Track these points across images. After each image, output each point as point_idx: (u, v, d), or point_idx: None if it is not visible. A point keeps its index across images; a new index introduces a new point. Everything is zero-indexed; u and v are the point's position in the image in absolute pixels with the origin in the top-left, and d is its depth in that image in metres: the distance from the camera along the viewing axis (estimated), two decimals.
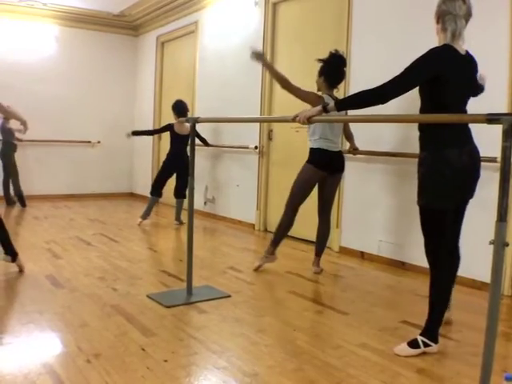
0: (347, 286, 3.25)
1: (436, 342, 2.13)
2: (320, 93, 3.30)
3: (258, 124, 5.11)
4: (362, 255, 4.02)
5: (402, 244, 3.71)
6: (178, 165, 5.03)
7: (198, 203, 5.69)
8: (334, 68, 3.27)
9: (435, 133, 2.02)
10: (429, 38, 3.50)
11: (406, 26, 3.62)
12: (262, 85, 5.08)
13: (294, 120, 2.27)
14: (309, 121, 2.22)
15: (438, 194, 2.03)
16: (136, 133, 5.33)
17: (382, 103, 1.98)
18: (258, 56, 3.15)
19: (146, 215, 5.15)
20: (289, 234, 4.77)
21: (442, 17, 2.05)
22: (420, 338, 2.13)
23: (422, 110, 2.09)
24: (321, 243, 3.52)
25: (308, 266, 3.63)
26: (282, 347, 2.18)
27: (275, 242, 3.48)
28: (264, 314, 2.63)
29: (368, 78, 3.83)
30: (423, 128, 2.09)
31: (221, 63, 5.72)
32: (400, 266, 3.70)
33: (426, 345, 2.12)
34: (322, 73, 3.30)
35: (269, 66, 3.26)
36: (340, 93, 3.73)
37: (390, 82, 1.96)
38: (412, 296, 3.05)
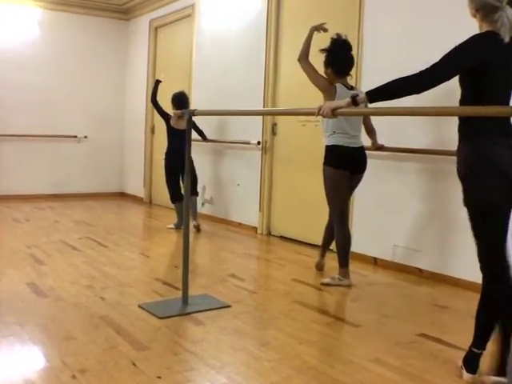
0: (358, 295, 3.25)
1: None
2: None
3: (260, 117, 5.11)
4: (374, 261, 4.01)
5: (419, 249, 3.70)
6: (178, 163, 4.99)
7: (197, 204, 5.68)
8: (339, 56, 3.27)
9: (475, 124, 2.01)
10: (450, 20, 3.50)
11: (424, 6, 3.62)
12: (266, 73, 5.08)
13: (318, 113, 2.22)
14: (333, 114, 2.19)
15: (487, 189, 1.95)
16: (156, 85, 5.37)
17: (417, 93, 1.96)
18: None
19: (180, 224, 5.06)
20: (294, 237, 4.81)
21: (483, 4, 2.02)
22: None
23: (462, 102, 2.08)
24: (349, 251, 3.42)
25: (317, 272, 3.63)
26: (287, 362, 2.18)
27: (343, 261, 3.37)
28: (267, 326, 2.63)
29: (382, 64, 3.84)
30: (463, 118, 2.07)
31: (220, 50, 5.72)
32: (417, 273, 3.69)
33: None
34: (328, 64, 3.30)
35: (310, 36, 3.31)
36: (352, 81, 3.72)
37: (427, 70, 1.94)
38: (430, 306, 3.04)
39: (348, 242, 3.39)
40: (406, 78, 1.97)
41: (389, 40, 3.87)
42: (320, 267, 3.68)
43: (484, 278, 2.02)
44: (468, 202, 2.02)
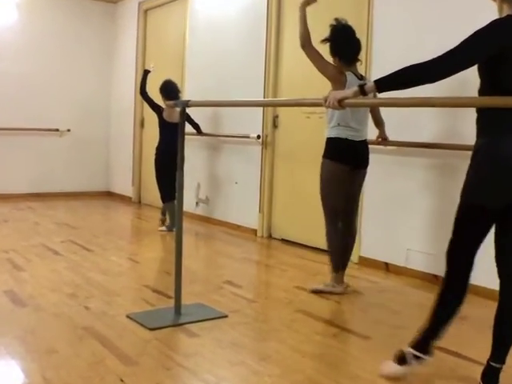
0: (368, 304, 3.25)
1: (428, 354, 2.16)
2: None
3: (260, 109, 5.12)
4: (386, 267, 4.02)
5: (435, 254, 3.70)
6: (171, 159, 4.97)
7: (189, 204, 5.70)
8: (343, 43, 3.27)
9: (494, 117, 2.01)
10: (466, 3, 3.50)
11: None
12: (266, 60, 5.09)
13: (324, 104, 2.22)
14: (340, 105, 2.19)
15: (484, 187, 2.01)
16: (144, 76, 5.35)
17: (431, 82, 1.96)
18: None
19: (172, 226, 5.09)
20: (296, 241, 4.82)
21: None
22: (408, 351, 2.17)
23: (481, 92, 2.08)
24: (344, 254, 3.47)
25: (322, 279, 3.64)
26: (289, 377, 2.18)
27: (335, 266, 3.39)
28: (267, 338, 2.64)
29: (393, 52, 3.84)
30: (481, 110, 2.08)
31: (216, 35, 5.72)
32: (433, 280, 3.69)
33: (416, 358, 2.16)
34: (333, 53, 3.31)
35: (304, 15, 3.27)
36: (362, 69, 3.72)
37: (442, 57, 1.94)
38: None
39: (340, 243, 3.38)
40: (419, 65, 1.96)
41: (400, 26, 3.87)
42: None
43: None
44: (469, 202, 2.06)
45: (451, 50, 1.95)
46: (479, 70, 2.07)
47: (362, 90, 2.12)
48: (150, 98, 5.33)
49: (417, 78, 1.99)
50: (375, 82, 2.07)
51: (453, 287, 2.14)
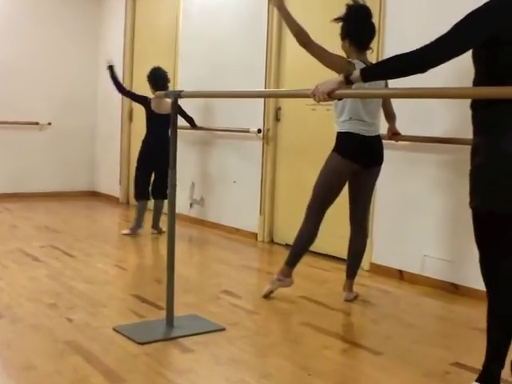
0: (381, 316, 3.25)
1: None
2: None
3: (261, 100, 5.11)
4: (400, 275, 4.02)
5: (454, 260, 3.70)
6: (157, 154, 5.03)
7: (182, 205, 5.70)
8: (357, 24, 3.27)
9: (493, 112, 2.01)
10: None
11: None
12: (268, 46, 5.08)
13: (313, 98, 2.26)
14: (330, 96, 2.21)
15: (495, 192, 2.02)
16: (113, 74, 5.30)
17: (421, 71, 1.99)
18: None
19: (136, 228, 5.15)
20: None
21: None
22: None
23: (476, 82, 2.08)
24: (354, 261, 3.50)
25: (330, 288, 3.64)
26: None
27: (293, 260, 3.46)
28: (270, 354, 2.63)
29: (408, 35, 3.82)
30: (476, 106, 2.08)
31: (212, 18, 5.72)
32: (452, 289, 3.69)
33: None
34: (344, 35, 3.31)
35: (287, 13, 3.23)
36: (373, 56, 3.72)
37: (432, 43, 1.96)
38: (467, 330, 3.04)
39: (308, 240, 3.42)
40: (407, 54, 1.98)
41: (414, 10, 3.86)
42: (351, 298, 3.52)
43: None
44: (478, 209, 2.08)
45: (442, 37, 1.96)
46: (473, 56, 2.06)
47: (348, 80, 2.15)
48: (131, 92, 5.38)
49: (406, 67, 2.02)
50: (361, 70, 2.11)
51: (502, 304, 2.11)
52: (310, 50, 3.19)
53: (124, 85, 5.32)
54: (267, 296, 3.46)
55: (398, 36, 3.95)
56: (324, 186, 3.35)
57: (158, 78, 5.14)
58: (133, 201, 7.00)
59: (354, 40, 3.28)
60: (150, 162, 5.13)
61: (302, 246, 3.45)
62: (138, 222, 5.17)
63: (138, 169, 5.21)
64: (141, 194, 5.16)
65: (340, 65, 3.18)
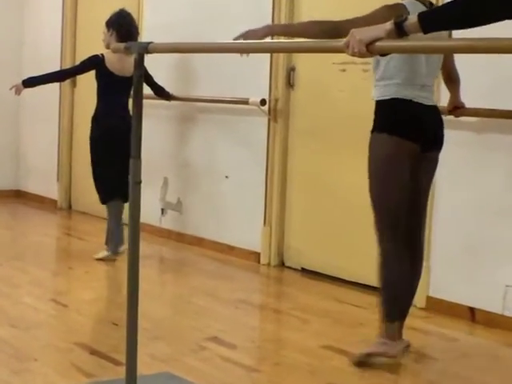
0: (442, 375, 3.25)
1: None
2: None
3: (267, 57, 5.12)
4: (471, 315, 4.02)
5: None
6: (114, 137, 5.05)
7: (150, 212, 5.73)
8: None
9: None
10: None
11: None
12: None
13: (346, 51, 2.26)
14: (369, 50, 2.22)
15: None
16: (31, 82, 5.37)
17: (499, 19, 2.02)
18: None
19: (117, 245, 5.09)
20: (325, 272, 4.81)
21: None
22: None
23: None
24: (405, 294, 3.45)
25: (366, 334, 3.64)
26: None
27: (391, 314, 3.36)
28: None
29: None
30: None
31: None
32: None
33: None
34: None
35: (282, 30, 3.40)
36: None
37: None
38: None
39: (402, 275, 3.36)
40: None
41: None
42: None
43: None
44: None
45: None
46: None
47: (400, 29, 2.15)
48: (74, 69, 5.69)
49: (482, 13, 2.03)
50: (419, 16, 2.10)
51: None
52: (344, 34, 3.21)
53: (54, 71, 5.51)
54: (358, 364, 3.28)
55: None
56: (386, 194, 3.32)
57: (123, 25, 5.11)
58: (76, 205, 7.07)
59: None
60: (108, 148, 5.08)
61: (394, 288, 3.36)
62: (118, 236, 5.09)
63: (93, 160, 5.21)
64: (108, 192, 5.15)
65: (381, 16, 3.22)
